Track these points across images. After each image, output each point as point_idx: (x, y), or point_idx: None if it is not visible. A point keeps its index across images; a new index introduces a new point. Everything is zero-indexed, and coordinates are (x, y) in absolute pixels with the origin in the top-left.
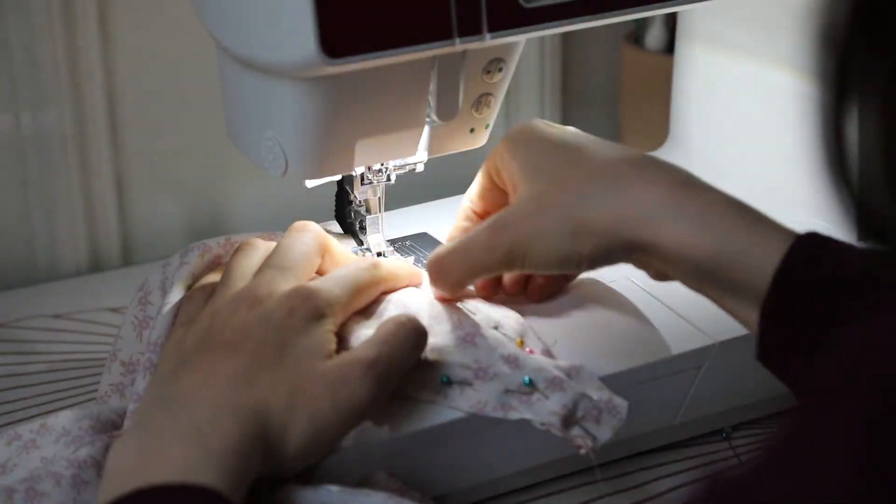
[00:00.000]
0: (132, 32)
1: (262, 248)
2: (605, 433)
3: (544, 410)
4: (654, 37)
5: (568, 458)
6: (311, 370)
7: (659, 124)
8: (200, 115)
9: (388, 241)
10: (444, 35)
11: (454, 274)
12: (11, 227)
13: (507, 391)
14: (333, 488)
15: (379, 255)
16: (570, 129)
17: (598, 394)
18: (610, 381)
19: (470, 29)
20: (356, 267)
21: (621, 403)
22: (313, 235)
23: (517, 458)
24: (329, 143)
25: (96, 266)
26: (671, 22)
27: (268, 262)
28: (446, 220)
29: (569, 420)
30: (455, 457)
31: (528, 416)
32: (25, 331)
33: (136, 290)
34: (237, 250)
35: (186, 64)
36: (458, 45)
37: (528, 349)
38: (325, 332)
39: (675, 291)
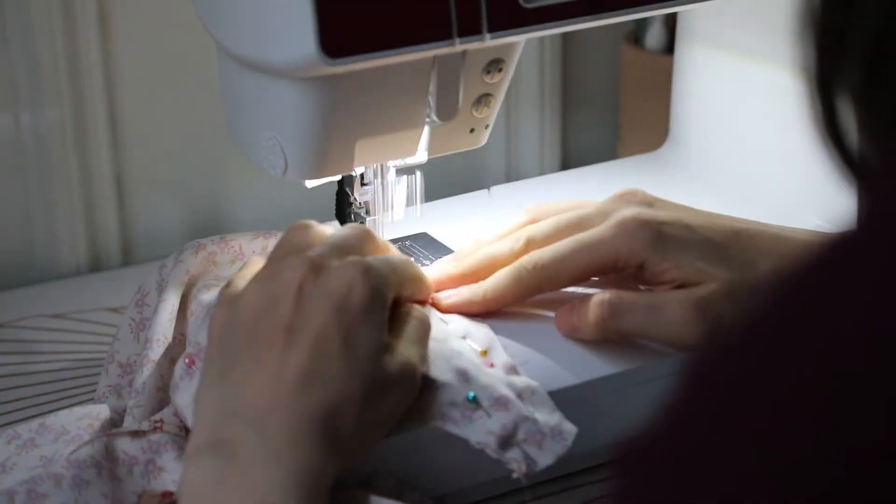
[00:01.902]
0: (132, 32)
1: (315, 227)
2: (546, 458)
3: (483, 429)
4: (654, 37)
5: (568, 458)
6: (378, 369)
7: (659, 124)
8: (200, 115)
9: (389, 240)
10: (444, 35)
11: (625, 326)
12: (11, 227)
13: (452, 403)
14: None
15: None
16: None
17: (548, 417)
18: (603, 384)
19: (470, 29)
20: (400, 258)
21: (569, 430)
22: (365, 230)
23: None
24: (329, 143)
25: (96, 266)
26: (671, 22)
27: (322, 241)
28: (446, 220)
29: (507, 441)
30: (455, 457)
31: (464, 433)
32: (25, 331)
33: (134, 292)
34: (290, 229)
35: (186, 64)
36: (458, 45)
37: (489, 363)
38: (383, 321)
39: None
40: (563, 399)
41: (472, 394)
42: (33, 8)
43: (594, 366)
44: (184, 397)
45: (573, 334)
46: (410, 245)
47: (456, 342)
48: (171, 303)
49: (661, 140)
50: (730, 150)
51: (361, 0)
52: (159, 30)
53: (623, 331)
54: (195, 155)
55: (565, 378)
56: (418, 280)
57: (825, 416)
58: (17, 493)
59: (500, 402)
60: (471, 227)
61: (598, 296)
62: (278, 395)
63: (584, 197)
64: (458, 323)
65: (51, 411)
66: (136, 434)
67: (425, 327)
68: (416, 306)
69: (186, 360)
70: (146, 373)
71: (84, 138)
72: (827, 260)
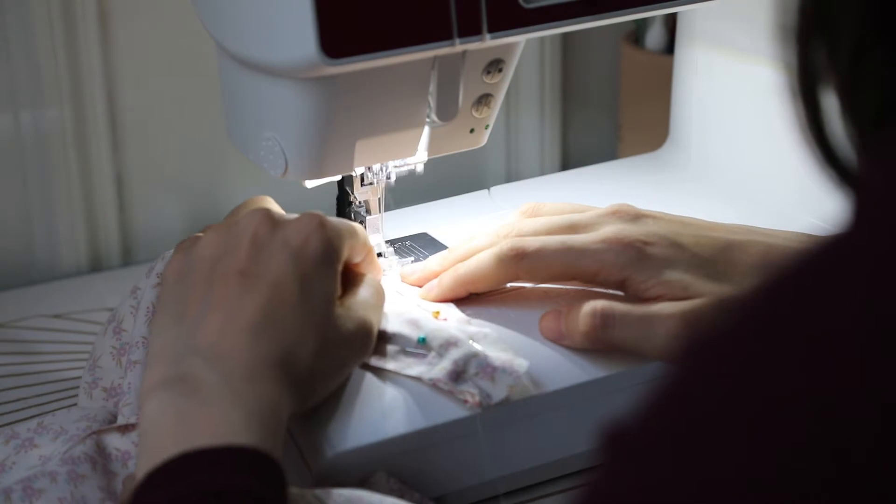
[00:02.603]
0: (132, 32)
1: (271, 201)
2: (499, 392)
3: (434, 367)
4: (654, 37)
5: (567, 458)
6: (332, 320)
7: (659, 124)
8: (200, 115)
9: (387, 241)
10: (444, 35)
11: (616, 337)
12: (11, 227)
13: (404, 350)
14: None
15: (378, 255)
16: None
17: (499, 353)
18: (609, 381)
19: (470, 29)
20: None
21: (521, 363)
22: (354, 225)
23: (517, 458)
24: (329, 143)
25: (96, 266)
26: (671, 22)
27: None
28: (446, 220)
29: (459, 376)
30: (455, 457)
31: (417, 372)
32: (25, 331)
33: (108, 320)
34: (246, 201)
35: (186, 64)
36: (458, 46)
37: (443, 318)
38: (336, 274)
39: None
40: (556, 402)
41: (422, 336)
42: (33, 8)
43: (587, 368)
44: None
45: (559, 340)
46: (410, 245)
47: (410, 306)
48: (146, 304)
49: (661, 140)
50: (730, 150)
51: (361, 0)
52: (159, 30)
53: (613, 342)
54: (195, 155)
55: (558, 380)
56: (366, 247)
57: (814, 413)
58: (13, 492)
59: (451, 342)
60: (471, 227)
61: (590, 305)
62: (236, 336)
63: (584, 197)
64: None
65: (50, 411)
66: (124, 429)
67: (380, 293)
68: (372, 275)
69: None
70: (130, 375)
71: (84, 138)
72: (817, 260)
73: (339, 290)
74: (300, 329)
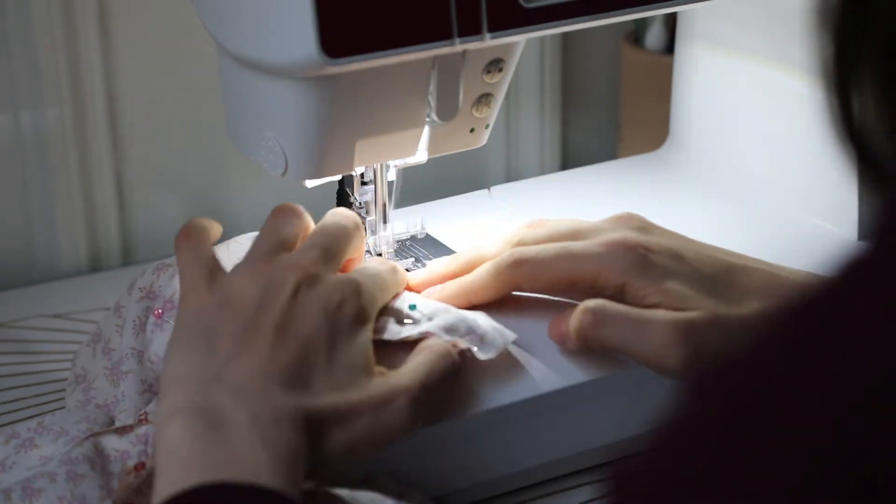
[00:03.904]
0: (132, 32)
1: (302, 216)
2: (488, 352)
3: (426, 326)
4: (654, 37)
5: (567, 458)
6: (359, 387)
7: (659, 124)
8: (200, 115)
9: (387, 241)
10: (444, 35)
11: (607, 337)
12: (11, 227)
13: (398, 321)
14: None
15: (378, 255)
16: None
17: (489, 322)
18: (609, 382)
19: (470, 29)
20: (384, 268)
21: (510, 334)
22: (354, 221)
23: (517, 458)
24: (329, 143)
25: (96, 266)
26: (671, 22)
27: (314, 241)
28: (446, 220)
29: (450, 332)
30: (455, 457)
31: (408, 332)
32: (25, 331)
33: (92, 340)
34: (275, 212)
35: (186, 64)
36: (458, 45)
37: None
38: (367, 341)
39: None
40: (556, 402)
41: (413, 303)
42: (33, 8)
43: (587, 368)
44: (158, 346)
45: (563, 343)
46: (410, 245)
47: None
48: (132, 318)
49: (661, 140)
50: (730, 150)
51: (361, 0)
52: (159, 30)
53: (604, 342)
54: (195, 155)
55: (558, 380)
56: (397, 287)
57: (831, 445)
58: (12, 492)
59: (441, 309)
60: (471, 227)
61: (584, 303)
62: (266, 383)
63: (584, 197)
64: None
65: (50, 411)
66: (122, 430)
67: (440, 358)
68: (434, 344)
69: (156, 313)
70: (123, 385)
71: (84, 138)
72: (841, 281)
73: (371, 359)
74: (327, 395)
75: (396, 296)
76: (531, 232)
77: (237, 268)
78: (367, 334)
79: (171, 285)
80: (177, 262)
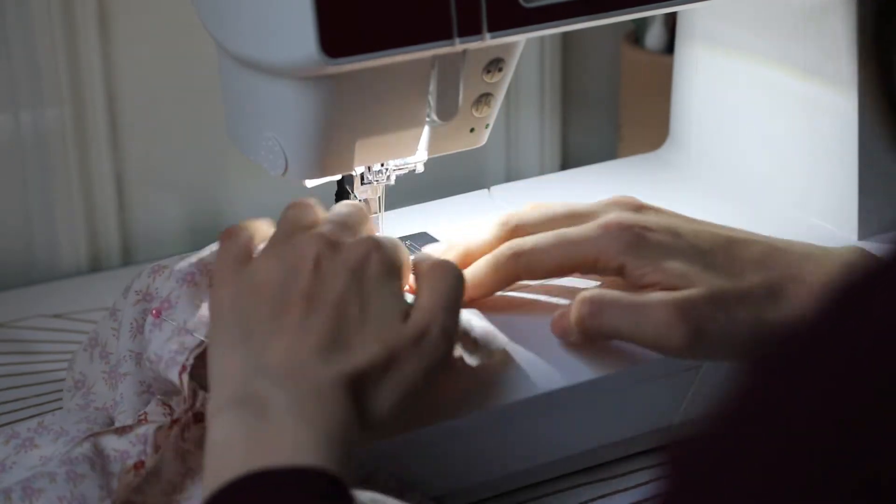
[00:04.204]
0: (132, 32)
1: (316, 207)
2: (479, 358)
3: None
4: (654, 37)
5: (568, 457)
6: (397, 332)
7: (659, 124)
8: (200, 115)
9: None
10: (444, 35)
11: (606, 325)
12: (11, 227)
13: None
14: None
15: None
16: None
17: (482, 324)
18: (609, 381)
19: (470, 29)
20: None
21: (501, 338)
22: (362, 207)
23: (517, 457)
24: (329, 143)
25: (96, 266)
26: (671, 22)
27: (328, 218)
28: (446, 220)
29: None
30: (455, 456)
31: None
32: (25, 331)
33: (88, 344)
34: (291, 206)
35: (186, 64)
36: (458, 45)
37: None
38: (399, 288)
39: None
40: (556, 402)
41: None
42: (33, 8)
43: (587, 369)
44: (157, 345)
45: (565, 337)
46: (410, 245)
47: None
48: (129, 320)
49: (661, 140)
50: (730, 150)
51: (361, 0)
52: (159, 30)
53: (604, 330)
54: (195, 155)
55: (558, 380)
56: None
57: (835, 446)
58: (12, 492)
59: None
60: (471, 227)
61: (581, 294)
62: (304, 358)
63: (584, 197)
64: None
65: (50, 411)
66: (121, 430)
67: (448, 285)
68: (437, 260)
69: (153, 312)
70: (121, 387)
71: (84, 138)
72: (858, 282)
73: (403, 305)
74: (367, 348)
75: None
76: (528, 212)
77: (259, 253)
78: (397, 283)
79: (168, 286)
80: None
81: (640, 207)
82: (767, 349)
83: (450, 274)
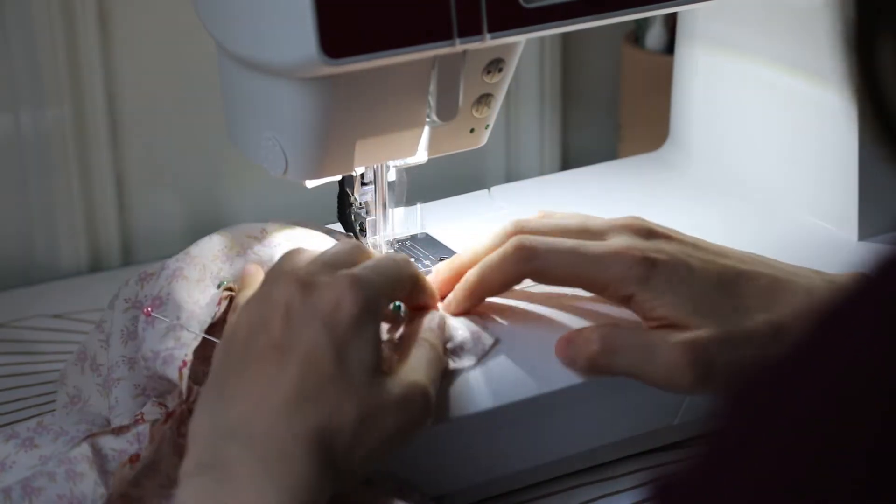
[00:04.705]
0: (132, 32)
1: (307, 250)
2: (464, 362)
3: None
4: (654, 37)
5: (568, 457)
6: (376, 389)
7: (659, 124)
8: (200, 115)
9: (387, 241)
10: (444, 35)
11: (617, 364)
12: (11, 226)
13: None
14: None
15: None
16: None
17: (468, 327)
18: (609, 381)
19: (470, 29)
20: (390, 257)
21: (487, 339)
22: (353, 242)
23: (518, 457)
24: (329, 143)
25: (96, 266)
26: (671, 22)
27: (314, 258)
28: (446, 220)
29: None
30: (455, 457)
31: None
32: (25, 331)
33: (77, 359)
34: (282, 256)
35: (186, 64)
36: (458, 46)
37: None
38: (375, 335)
39: None
40: (556, 402)
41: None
42: (33, 8)
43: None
44: (152, 342)
45: (571, 366)
46: (410, 245)
47: None
48: (119, 329)
49: (661, 140)
50: (730, 150)
51: (361, 0)
52: (159, 30)
53: (614, 369)
54: (195, 155)
55: (558, 381)
56: (413, 280)
57: (837, 446)
58: (12, 490)
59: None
60: (471, 227)
61: (591, 330)
62: (270, 414)
63: (585, 197)
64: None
65: (50, 411)
66: (118, 430)
67: (434, 353)
68: (429, 337)
69: (145, 312)
70: (116, 391)
71: (84, 138)
72: (864, 282)
73: (381, 354)
74: (338, 402)
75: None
76: (538, 221)
77: (243, 304)
78: (372, 328)
79: (157, 284)
80: None
81: (651, 233)
82: (748, 378)
83: (436, 350)
